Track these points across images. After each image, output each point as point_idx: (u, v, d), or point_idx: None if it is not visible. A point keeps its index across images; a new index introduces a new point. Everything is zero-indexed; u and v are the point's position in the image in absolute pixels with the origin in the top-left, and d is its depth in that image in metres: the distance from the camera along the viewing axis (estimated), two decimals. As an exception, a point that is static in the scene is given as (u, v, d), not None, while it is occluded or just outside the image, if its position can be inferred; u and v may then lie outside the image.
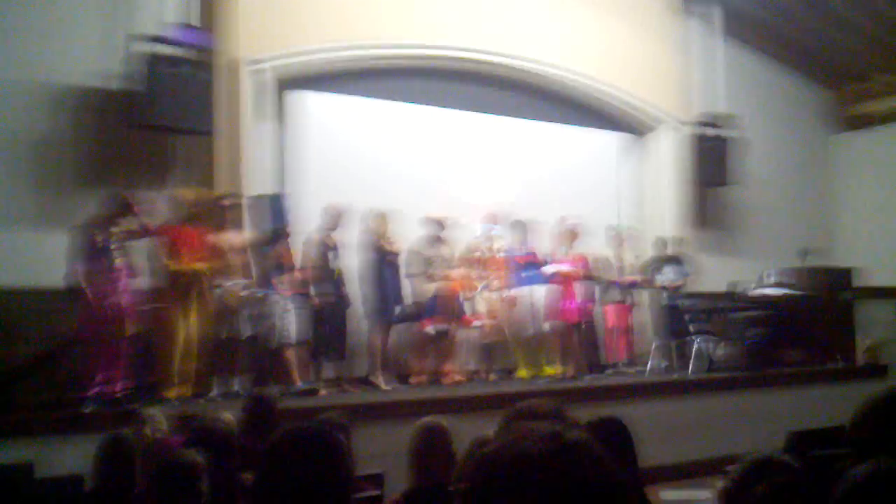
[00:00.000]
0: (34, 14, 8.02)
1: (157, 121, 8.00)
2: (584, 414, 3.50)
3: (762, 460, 2.41)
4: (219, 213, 7.90)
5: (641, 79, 11.45)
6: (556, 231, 9.59)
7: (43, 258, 7.60)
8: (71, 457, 5.94)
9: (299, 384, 7.87)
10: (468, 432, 3.76)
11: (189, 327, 7.43)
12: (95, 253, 6.83)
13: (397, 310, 8.99)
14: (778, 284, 11.26)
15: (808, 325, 10.93)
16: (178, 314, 7.39)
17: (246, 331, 7.92)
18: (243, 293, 7.71)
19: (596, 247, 10.17)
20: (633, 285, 10.45)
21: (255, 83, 8.80)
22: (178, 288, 7.38)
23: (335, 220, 8.55)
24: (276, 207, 8.21)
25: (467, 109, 10.53)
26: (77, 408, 6.64)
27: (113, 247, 6.96)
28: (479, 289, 9.37)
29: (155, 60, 7.94)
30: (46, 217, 7.87)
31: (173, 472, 3.12)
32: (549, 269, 9.34)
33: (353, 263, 8.79)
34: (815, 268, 11.47)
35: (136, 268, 7.44)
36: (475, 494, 1.20)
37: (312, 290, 8.29)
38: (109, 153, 8.21)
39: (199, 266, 7.51)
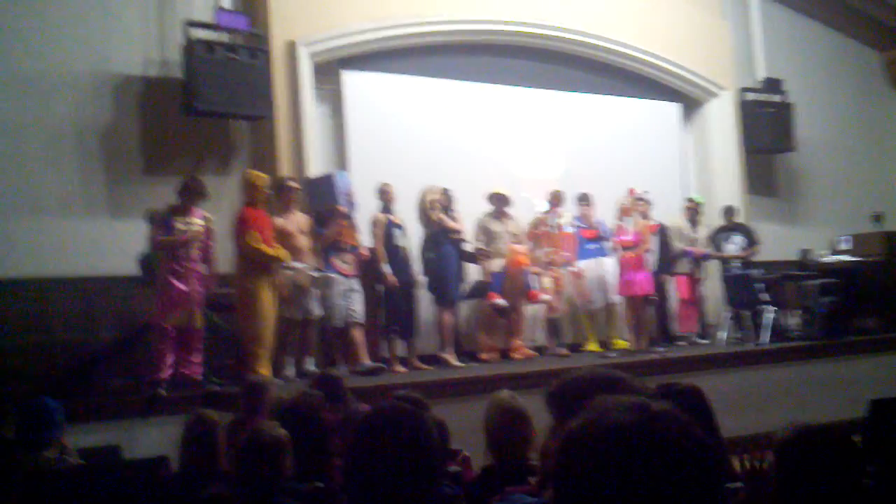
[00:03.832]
0: (93, 5, 8.14)
1: (215, 107, 8.07)
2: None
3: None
4: (285, 195, 7.97)
5: (698, 48, 11.22)
6: (620, 204, 9.47)
7: (117, 246, 7.78)
8: (154, 438, 6.12)
9: (366, 363, 7.94)
10: (541, 407, 3.74)
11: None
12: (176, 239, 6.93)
13: (463, 287, 9.02)
14: (851, 250, 11.02)
15: (883, 291, 10.69)
16: (266, 293, 7.36)
17: (316, 311, 8.03)
18: (313, 274, 7.80)
19: (660, 217, 10.05)
20: (705, 257, 10.31)
21: (312, 64, 8.81)
22: (259, 267, 7.37)
23: (389, 199, 8.57)
24: (332, 187, 8.24)
25: (522, 85, 10.42)
26: (153, 391, 6.79)
27: (191, 234, 7.05)
28: (544, 264, 9.32)
29: (210, 47, 7.99)
30: (118, 206, 8.03)
31: (258, 447, 3.18)
32: (615, 242, 9.27)
33: (413, 242, 8.81)
34: (888, 232, 11.20)
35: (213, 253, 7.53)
36: (567, 468, 1.20)
37: (384, 269, 8.34)
38: (174, 141, 8.33)
39: (280, 251, 7.51)
